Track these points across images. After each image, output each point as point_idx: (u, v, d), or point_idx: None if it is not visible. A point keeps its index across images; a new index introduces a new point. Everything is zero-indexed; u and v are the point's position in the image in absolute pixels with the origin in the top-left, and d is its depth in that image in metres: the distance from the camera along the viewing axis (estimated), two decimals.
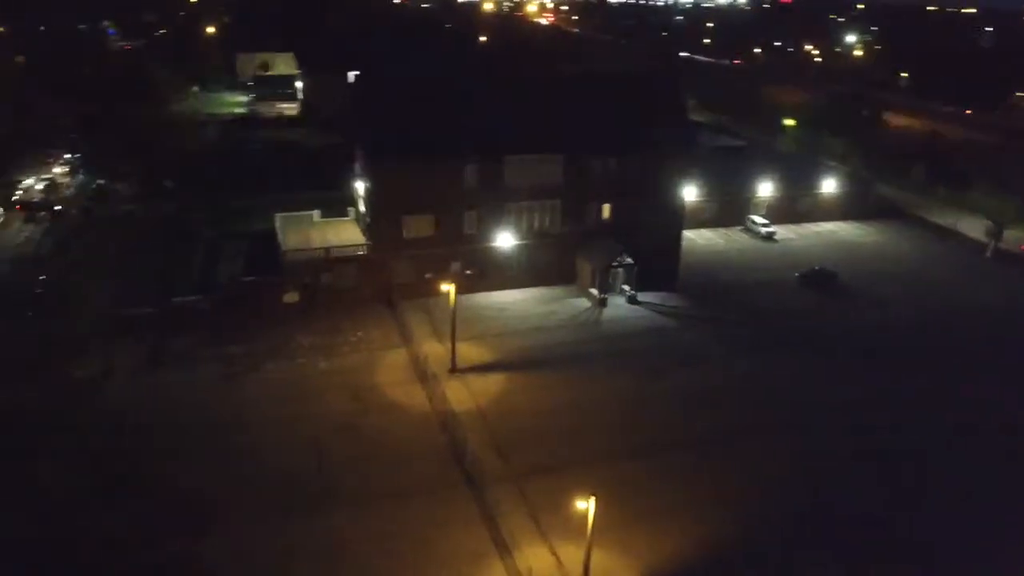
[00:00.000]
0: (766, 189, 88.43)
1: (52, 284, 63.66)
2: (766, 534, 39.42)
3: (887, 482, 44.11)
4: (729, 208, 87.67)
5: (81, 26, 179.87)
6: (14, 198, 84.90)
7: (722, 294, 69.15)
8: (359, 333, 59.15)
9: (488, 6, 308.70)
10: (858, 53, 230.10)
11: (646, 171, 66.97)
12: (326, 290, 62.83)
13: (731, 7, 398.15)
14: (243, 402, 49.34)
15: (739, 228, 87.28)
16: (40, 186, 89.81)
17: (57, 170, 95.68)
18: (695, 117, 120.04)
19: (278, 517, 39.09)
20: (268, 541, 37.49)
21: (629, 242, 66.55)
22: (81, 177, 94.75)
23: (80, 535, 36.84)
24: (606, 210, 68.07)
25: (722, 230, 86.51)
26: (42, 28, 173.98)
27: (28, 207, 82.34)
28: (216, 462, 43.10)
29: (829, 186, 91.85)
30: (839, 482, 43.90)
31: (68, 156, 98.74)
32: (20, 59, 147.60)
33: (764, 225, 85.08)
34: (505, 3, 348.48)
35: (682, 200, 70.13)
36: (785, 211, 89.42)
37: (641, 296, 66.79)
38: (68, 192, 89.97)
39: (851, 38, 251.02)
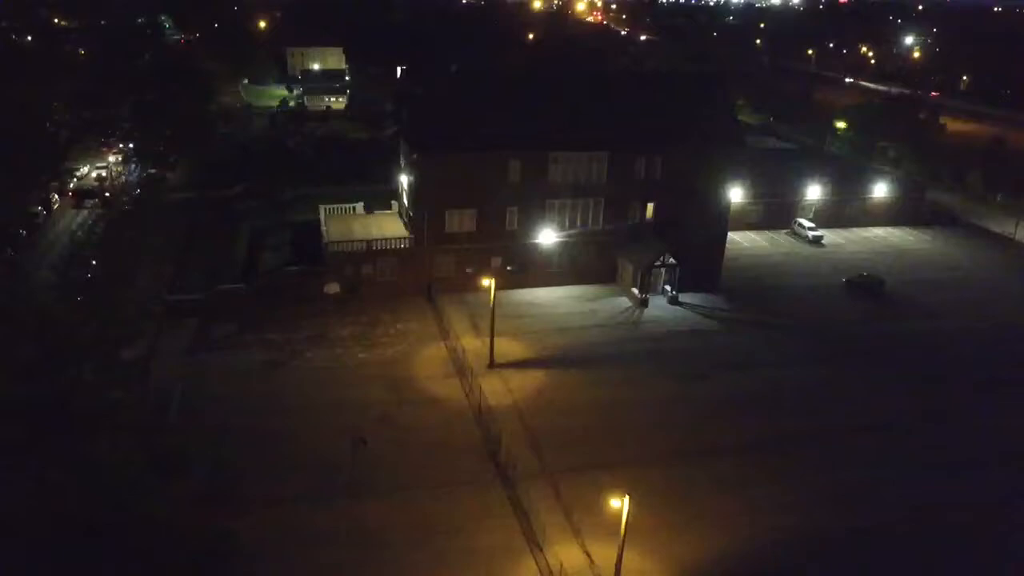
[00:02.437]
0: (814, 192, 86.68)
1: (103, 269, 65.24)
2: (803, 548, 38.53)
3: (928, 497, 42.85)
4: (776, 211, 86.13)
5: (139, 20, 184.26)
6: (70, 186, 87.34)
7: (766, 298, 67.92)
8: (398, 325, 59.47)
9: (537, 4, 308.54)
10: (917, 55, 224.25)
11: (691, 171, 66.08)
12: (367, 282, 63.31)
13: (784, 7, 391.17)
14: (283, 388, 49.97)
15: (785, 231, 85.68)
16: (95, 174, 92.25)
17: (111, 159, 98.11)
18: (743, 118, 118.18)
19: (313, 502, 39.48)
20: (302, 525, 37.88)
21: (672, 242, 65.74)
22: (134, 166, 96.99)
23: (123, 511, 37.56)
24: (649, 209, 67.36)
25: (768, 233, 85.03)
26: (103, 22, 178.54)
27: (81, 194, 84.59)
28: (255, 445, 43.70)
29: (880, 191, 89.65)
30: (877, 498, 42.75)
31: (122, 146, 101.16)
32: (81, 52, 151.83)
33: (811, 229, 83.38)
34: (554, 1, 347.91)
35: (727, 201, 69.07)
36: (834, 215, 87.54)
37: (683, 297, 65.96)
38: (121, 181, 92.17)
39: (909, 39, 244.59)
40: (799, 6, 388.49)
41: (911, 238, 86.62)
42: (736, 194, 75.23)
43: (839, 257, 78.83)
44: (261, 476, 41.10)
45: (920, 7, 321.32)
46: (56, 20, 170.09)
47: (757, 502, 41.32)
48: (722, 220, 68.91)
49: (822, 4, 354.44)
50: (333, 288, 62.71)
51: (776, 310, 65.44)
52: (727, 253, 70.48)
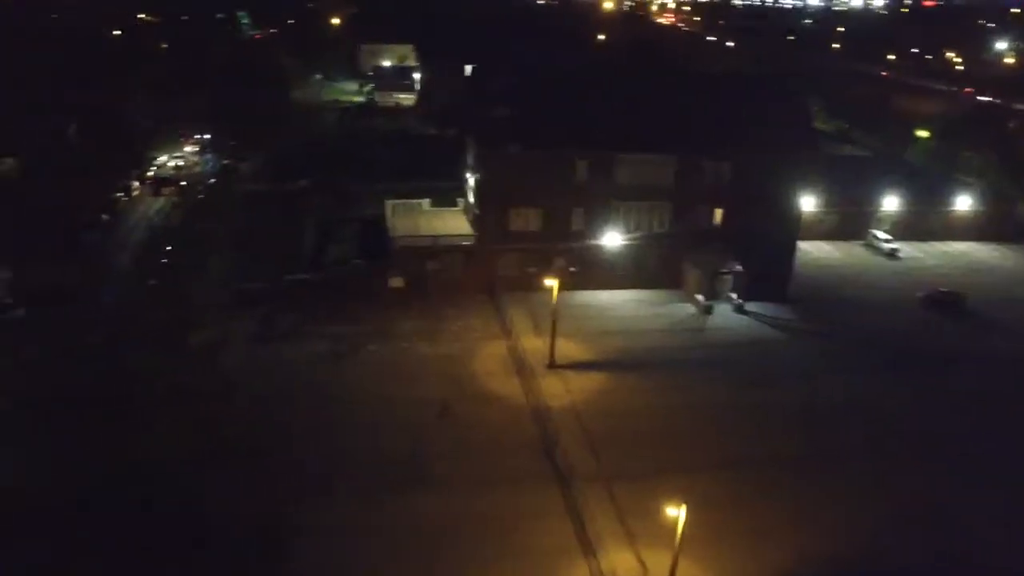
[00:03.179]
0: (892, 203, 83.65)
1: (176, 255, 67.22)
2: (865, 570, 37.09)
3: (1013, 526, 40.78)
4: (849, 221, 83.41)
5: (219, 15, 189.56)
6: (149, 174, 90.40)
7: (835, 310, 65.81)
8: (460, 322, 59.62)
9: (608, 5, 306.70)
10: (1009, 61, 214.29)
11: (763, 177, 64.44)
12: (431, 278, 63.68)
13: (865, 11, 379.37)
14: (345, 380, 50.57)
15: (859, 243, 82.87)
16: (172, 164, 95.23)
17: (188, 149, 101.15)
18: (818, 124, 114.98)
19: (369, 494, 39.71)
20: (358, 517, 38.12)
21: (740, 249, 64.30)
22: (209, 157, 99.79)
23: (186, 497, 38.49)
24: (718, 215, 66.01)
25: (841, 243, 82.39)
26: (184, 17, 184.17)
27: (158, 183, 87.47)
28: (316, 436, 44.26)
29: (963, 203, 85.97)
30: (949, 522, 40.89)
31: (199, 137, 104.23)
32: (164, 45, 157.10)
33: (887, 241, 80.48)
34: (625, 2, 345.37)
35: (799, 209, 67.19)
36: (912, 227, 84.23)
37: (749, 306, 64.42)
38: (196, 171, 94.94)
39: (1002, 45, 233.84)
40: (881, 9, 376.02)
41: (996, 254, 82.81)
42: (808, 202, 73.13)
43: (916, 271, 75.90)
44: (320, 466, 41.61)
45: (1015, 9, 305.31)
46: (142, 15, 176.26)
47: (817, 518, 39.95)
48: (793, 228, 67.07)
49: (906, 7, 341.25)
50: (397, 283, 63.28)
51: (846, 323, 63.32)
52: (797, 263, 68.57)
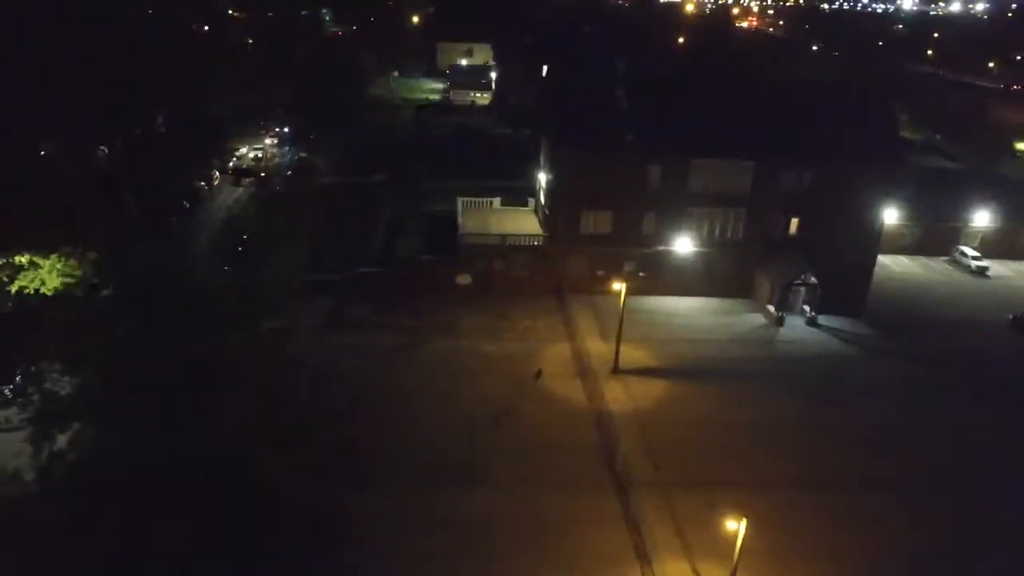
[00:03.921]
0: (982, 218, 79.76)
1: (252, 243, 69.07)
2: None
3: None
4: (934, 236, 79.85)
5: (303, 12, 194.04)
6: (230, 164, 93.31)
7: (915, 329, 63.14)
8: (526, 322, 59.55)
9: (689, 8, 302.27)
10: None
11: (843, 186, 62.35)
12: (498, 276, 63.80)
13: (964, 15, 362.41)
14: (409, 372, 51.14)
15: (944, 259, 79.28)
16: (252, 155, 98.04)
17: (268, 141, 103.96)
18: (905, 133, 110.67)
19: (426, 488, 40.07)
20: (413, 510, 38.51)
21: (815, 260, 62.32)
22: (287, 149, 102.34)
23: (249, 477, 39.41)
24: (794, 224, 64.17)
25: (923, 259, 78.98)
26: (270, 14, 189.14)
27: (238, 173, 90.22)
28: (378, 426, 44.88)
29: None
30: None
31: (278, 129, 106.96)
32: (249, 40, 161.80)
33: (975, 258, 76.73)
34: (708, 5, 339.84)
35: (880, 221, 64.74)
36: (1003, 245, 80.00)
37: (822, 319, 62.41)
38: (275, 162, 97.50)
39: None
40: (982, 14, 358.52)
41: None
42: (890, 214, 70.36)
43: (1007, 291, 72.19)
44: (380, 458, 42.12)
45: None
46: (230, 11, 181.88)
47: (893, 544, 38.39)
48: (872, 241, 64.67)
49: (1012, 11, 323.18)
50: (465, 280, 63.61)
51: (926, 342, 60.71)
52: (875, 277, 66.06)
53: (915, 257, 79.19)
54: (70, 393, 37.85)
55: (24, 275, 45.15)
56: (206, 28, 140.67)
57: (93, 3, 74.73)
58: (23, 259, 45.43)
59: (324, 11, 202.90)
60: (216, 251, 68.54)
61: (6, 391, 43.37)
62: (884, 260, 72.22)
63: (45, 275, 45.22)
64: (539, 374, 52.19)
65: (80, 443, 34.80)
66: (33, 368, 40.03)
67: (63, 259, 45.86)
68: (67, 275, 45.84)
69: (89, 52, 69.60)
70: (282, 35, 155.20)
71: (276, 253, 66.25)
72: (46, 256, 45.57)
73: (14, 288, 44.61)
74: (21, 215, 45.66)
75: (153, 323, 51.05)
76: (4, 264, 45.21)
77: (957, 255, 78.51)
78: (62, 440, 34.47)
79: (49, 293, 45.13)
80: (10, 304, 45.00)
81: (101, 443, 38.21)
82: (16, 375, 42.86)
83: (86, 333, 43.68)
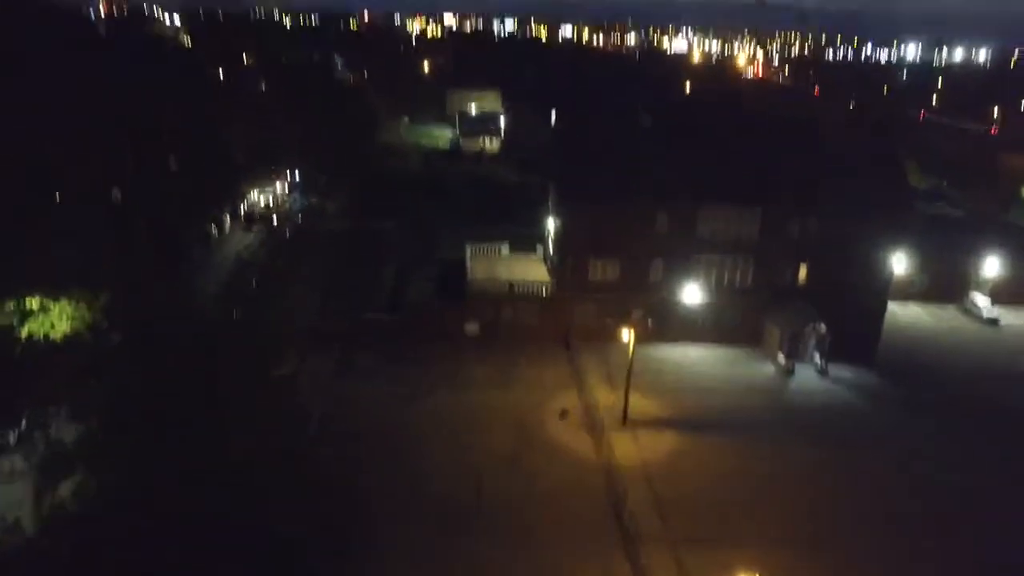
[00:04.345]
0: (992, 266, 79.46)
1: (261, 288, 69.19)
2: None
3: None
4: (944, 283, 79.51)
5: (315, 58, 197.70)
6: (240, 209, 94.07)
7: (927, 378, 62.49)
8: (533, 371, 59.21)
9: (695, 57, 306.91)
10: None
11: (851, 233, 62.35)
12: (506, 324, 63.63)
13: (966, 65, 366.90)
14: (416, 421, 50.72)
15: (954, 307, 78.80)
16: (262, 200, 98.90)
17: (278, 186, 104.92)
18: (911, 180, 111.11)
19: (431, 538, 39.46)
20: (418, 560, 37.84)
21: (825, 308, 62.04)
22: (298, 194, 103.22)
23: (253, 524, 38.88)
24: (802, 271, 64.10)
25: (933, 307, 78.55)
26: (283, 59, 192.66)
27: (249, 218, 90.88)
28: (383, 474, 44.43)
29: None
30: None
31: (290, 174, 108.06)
32: (262, 86, 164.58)
33: (987, 307, 76.23)
34: (714, 55, 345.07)
35: (889, 269, 64.59)
36: (1016, 293, 79.53)
37: (833, 368, 61.87)
38: (285, 207, 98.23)
39: None
40: (985, 64, 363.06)
41: None
42: (899, 262, 70.22)
43: (1018, 341, 71.55)
44: (386, 507, 41.55)
45: None
46: (243, 56, 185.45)
47: None
48: (882, 289, 64.45)
49: (1014, 61, 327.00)
50: (473, 328, 63.47)
51: (939, 393, 59.97)
52: (885, 325, 65.64)
53: (925, 305, 78.77)
54: (75, 440, 37.60)
55: (34, 319, 45.23)
56: (220, 75, 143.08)
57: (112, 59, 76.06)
58: (33, 303, 45.57)
59: (336, 58, 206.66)
60: (225, 295, 68.59)
61: (10, 438, 43.13)
62: (894, 307, 71.75)
63: (55, 319, 45.30)
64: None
65: (83, 493, 34.38)
66: (38, 414, 39.87)
67: (73, 303, 45.96)
68: (77, 319, 45.89)
69: (106, 98, 70.83)
70: (295, 80, 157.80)
71: (285, 298, 66.36)
72: (56, 299, 45.69)
73: (24, 332, 44.65)
74: (33, 257, 45.97)
75: (161, 369, 50.90)
76: (15, 308, 45.35)
77: (968, 303, 78.04)
78: (65, 489, 34.06)
79: (58, 337, 45.14)
80: (19, 349, 44.98)
81: (104, 493, 37.79)
82: (21, 421, 42.66)
83: (94, 379, 43.60)
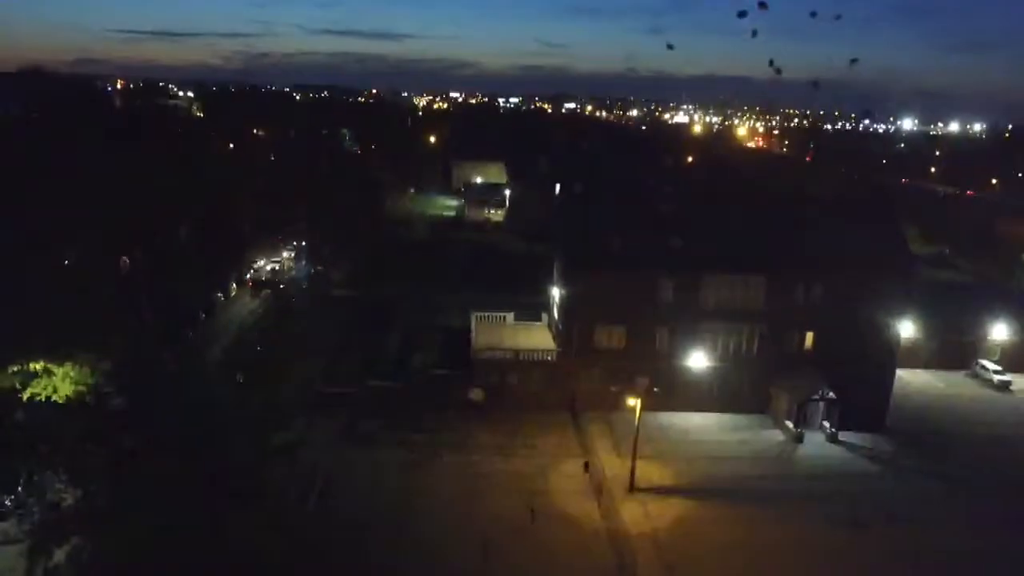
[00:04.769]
0: (1000, 332, 79.04)
1: (265, 355, 69.10)
2: None
3: None
4: (952, 349, 78.93)
5: (324, 131, 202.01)
6: (246, 276, 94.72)
7: (940, 445, 61.34)
8: (539, 438, 58.41)
9: (697, 128, 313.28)
10: None
11: (856, 299, 62.30)
12: (511, 391, 63.13)
13: (963, 135, 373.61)
14: (420, 489, 49.82)
15: (964, 373, 78.03)
16: (269, 267, 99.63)
17: (285, 254, 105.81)
18: (915, 248, 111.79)
19: None
20: None
21: (833, 374, 61.50)
22: (304, 262, 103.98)
23: None
24: (809, 338, 63.80)
25: (942, 373, 77.78)
26: (292, 133, 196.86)
27: (256, 285, 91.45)
28: (388, 544, 43.35)
29: None
30: None
31: (296, 243, 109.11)
32: (272, 157, 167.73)
33: (997, 372, 75.54)
34: (715, 127, 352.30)
35: (897, 335, 64.27)
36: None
37: (843, 435, 60.94)
38: (291, 274, 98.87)
39: None
40: (980, 134, 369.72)
41: None
42: (906, 328, 69.94)
43: None
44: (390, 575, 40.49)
45: None
46: (254, 130, 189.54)
47: None
48: (890, 355, 63.99)
49: (1008, 132, 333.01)
50: (478, 395, 62.96)
51: (952, 461, 58.78)
52: (896, 392, 64.92)
53: (934, 371, 78.00)
54: (71, 505, 36.97)
55: (37, 382, 45.05)
56: (231, 146, 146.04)
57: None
58: (37, 366, 45.45)
59: (344, 131, 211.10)
60: (229, 362, 68.46)
61: (6, 501, 42.43)
62: (903, 374, 71.13)
63: (58, 383, 45.09)
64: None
65: (79, 558, 33.65)
66: (36, 478, 39.31)
67: (77, 367, 45.83)
68: (80, 383, 45.69)
69: (116, 165, 72.16)
70: (303, 152, 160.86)
71: (290, 365, 66.23)
72: (61, 364, 45.57)
73: (26, 395, 44.42)
74: (39, 321, 46.05)
75: (162, 435, 50.41)
76: (19, 370, 45.22)
77: (978, 369, 77.35)
78: (60, 555, 33.34)
79: (61, 401, 44.86)
80: (21, 412, 44.67)
81: (100, 558, 36.95)
82: (19, 485, 42.04)
83: (94, 444, 43.12)
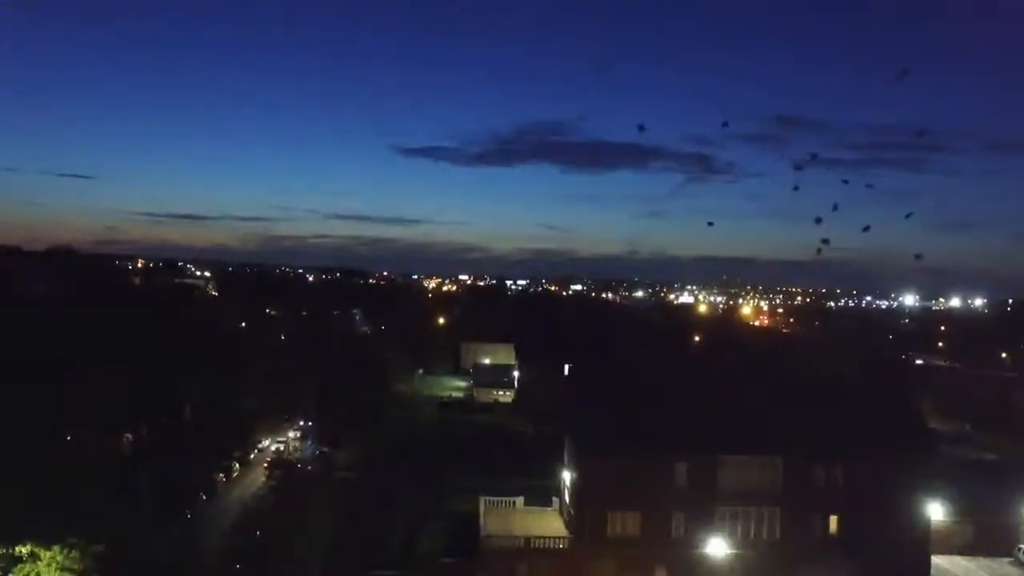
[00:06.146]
0: None
1: (265, 539, 66.09)
2: None
3: None
4: (989, 532, 73.96)
5: (335, 311, 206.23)
6: (251, 456, 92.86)
7: None
8: None
9: (702, 308, 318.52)
10: None
11: (879, 481, 59.96)
12: None
13: (966, 309, 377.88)
14: None
15: (1008, 560, 72.72)
16: (274, 448, 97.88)
17: (291, 435, 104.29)
18: (933, 424, 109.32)
19: None
20: None
21: (862, 561, 57.90)
22: (310, 443, 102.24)
23: None
24: (833, 522, 60.87)
25: (983, 560, 72.22)
26: (304, 312, 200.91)
27: (260, 465, 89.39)
28: None
29: None
30: None
31: (302, 423, 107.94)
32: (282, 337, 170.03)
33: None
34: (720, 306, 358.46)
35: (926, 518, 61.18)
36: None
37: None
38: (297, 456, 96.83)
39: None
40: (982, 308, 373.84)
41: None
42: (936, 511, 66.58)
43: None
44: None
45: None
46: (267, 310, 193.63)
47: None
48: (922, 540, 60.66)
49: (1009, 306, 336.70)
50: None
51: None
52: None
53: (974, 558, 72.93)
54: None
55: (20, 567, 42.82)
56: (243, 324, 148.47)
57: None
58: (24, 549, 43.38)
59: (354, 311, 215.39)
60: (226, 550, 65.41)
61: None
62: (940, 562, 66.61)
63: (43, 568, 42.86)
64: None
65: None
66: None
67: (66, 551, 43.74)
68: (67, 569, 43.41)
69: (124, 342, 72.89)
70: (313, 333, 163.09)
71: (289, 549, 63.11)
72: (48, 547, 43.52)
73: None
74: (36, 500, 44.64)
75: None
76: (2, 554, 43.14)
77: (1022, 555, 72.40)
78: None
79: None
80: None
81: None
82: None
83: None
